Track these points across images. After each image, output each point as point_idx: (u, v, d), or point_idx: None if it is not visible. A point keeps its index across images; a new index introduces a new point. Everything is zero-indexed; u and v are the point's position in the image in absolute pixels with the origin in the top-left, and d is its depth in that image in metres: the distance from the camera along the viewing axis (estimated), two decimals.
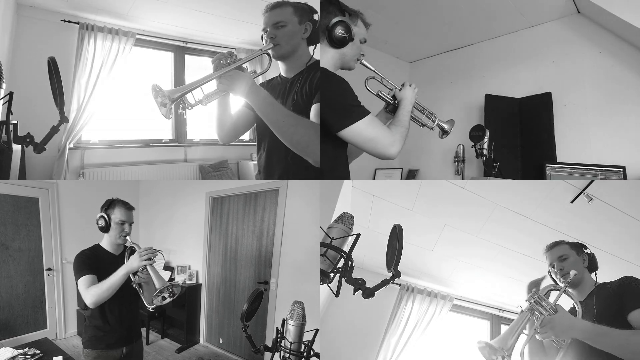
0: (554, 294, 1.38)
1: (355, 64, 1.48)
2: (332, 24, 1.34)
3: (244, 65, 1.37)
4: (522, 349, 1.32)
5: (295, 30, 1.44)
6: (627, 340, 1.15)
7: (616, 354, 1.15)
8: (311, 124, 1.30)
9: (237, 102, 1.59)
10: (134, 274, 1.55)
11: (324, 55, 1.40)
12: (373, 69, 1.54)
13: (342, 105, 1.30)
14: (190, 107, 1.36)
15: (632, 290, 1.27)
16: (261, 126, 1.54)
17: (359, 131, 1.29)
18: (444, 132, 1.77)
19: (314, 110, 1.33)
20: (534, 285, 1.44)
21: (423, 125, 1.69)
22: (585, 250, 1.49)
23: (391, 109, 1.58)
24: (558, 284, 1.44)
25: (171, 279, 1.49)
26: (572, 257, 1.46)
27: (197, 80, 1.32)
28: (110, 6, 3.45)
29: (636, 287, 1.28)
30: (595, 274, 1.46)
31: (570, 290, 1.44)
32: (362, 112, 1.31)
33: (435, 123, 1.73)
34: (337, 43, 1.37)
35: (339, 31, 1.35)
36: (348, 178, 1.48)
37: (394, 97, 1.57)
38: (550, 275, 1.48)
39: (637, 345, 1.12)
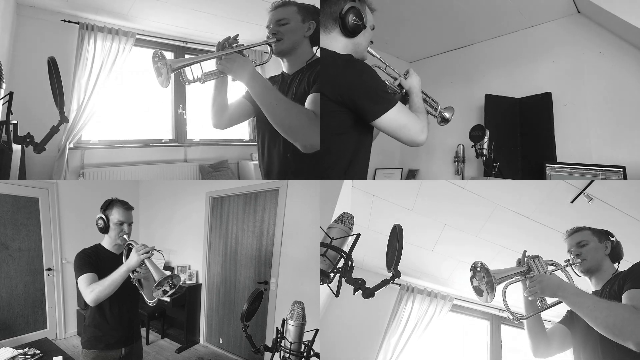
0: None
1: (367, 54, 1.47)
2: (345, 11, 1.31)
3: (245, 52, 1.39)
4: (503, 288, 1.36)
5: (298, 27, 1.48)
6: (595, 305, 1.13)
7: (582, 316, 1.14)
8: (305, 110, 1.31)
9: (237, 92, 1.61)
10: (133, 271, 1.55)
11: (336, 44, 1.37)
12: (379, 57, 1.53)
13: (377, 92, 1.28)
14: (188, 83, 1.40)
15: (635, 270, 1.24)
16: (261, 124, 1.56)
17: (393, 118, 1.28)
18: (444, 120, 1.76)
19: (310, 99, 1.34)
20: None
21: (427, 113, 1.68)
22: (611, 238, 1.44)
23: (399, 97, 1.56)
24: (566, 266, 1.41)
25: (173, 275, 1.49)
26: (592, 243, 1.42)
27: (199, 56, 1.35)
28: (110, 6, 3.45)
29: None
30: (619, 263, 1.41)
31: (587, 278, 1.42)
32: (394, 99, 1.30)
33: (438, 111, 1.72)
34: (351, 31, 1.34)
35: (352, 19, 1.32)
36: (366, 171, 1.45)
37: (399, 85, 1.56)
38: (568, 262, 1.43)
39: (602, 311, 1.10)
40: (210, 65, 1.39)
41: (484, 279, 1.35)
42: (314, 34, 1.50)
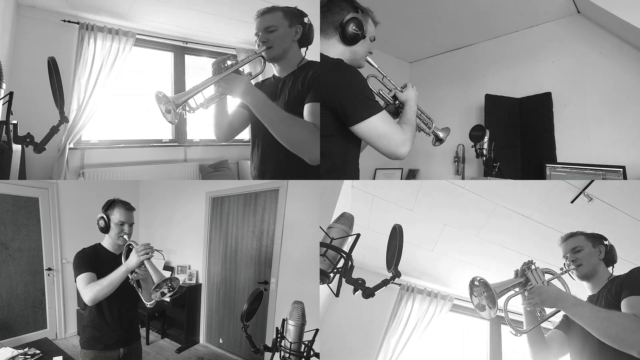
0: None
1: (364, 62, 1.48)
2: (346, 20, 1.34)
3: (241, 68, 1.42)
4: (505, 302, 1.39)
5: (286, 33, 1.51)
6: (595, 314, 1.15)
7: (584, 326, 1.16)
8: (307, 124, 1.34)
9: (233, 103, 1.64)
10: (132, 271, 1.54)
11: (333, 50, 1.39)
12: (377, 67, 1.53)
13: (359, 97, 1.28)
14: (192, 111, 1.43)
15: (633, 277, 1.25)
16: (255, 125, 1.59)
17: (374, 126, 1.27)
18: (438, 140, 1.76)
19: (307, 109, 1.36)
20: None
21: (420, 130, 1.68)
22: (605, 242, 1.45)
23: (392, 109, 1.56)
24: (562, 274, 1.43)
25: (172, 277, 1.51)
26: (587, 248, 1.42)
27: (198, 85, 1.39)
28: (110, 6, 3.45)
29: (638, 275, 1.25)
30: (613, 267, 1.42)
31: (584, 283, 1.43)
32: (378, 107, 1.30)
33: (432, 129, 1.72)
34: (350, 40, 1.37)
35: (352, 28, 1.35)
36: (357, 173, 1.46)
37: (393, 97, 1.56)
38: (564, 266, 1.44)
39: (603, 321, 1.12)
40: (209, 90, 1.42)
41: (483, 293, 1.35)
42: (302, 37, 1.54)
